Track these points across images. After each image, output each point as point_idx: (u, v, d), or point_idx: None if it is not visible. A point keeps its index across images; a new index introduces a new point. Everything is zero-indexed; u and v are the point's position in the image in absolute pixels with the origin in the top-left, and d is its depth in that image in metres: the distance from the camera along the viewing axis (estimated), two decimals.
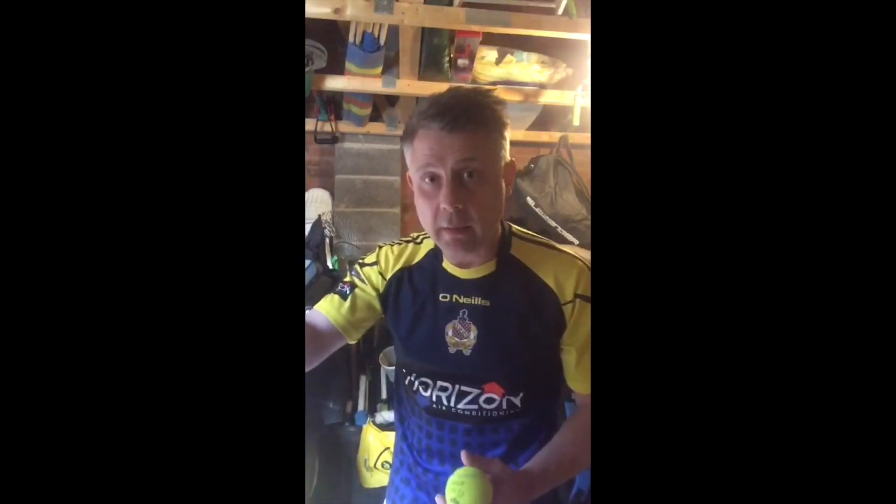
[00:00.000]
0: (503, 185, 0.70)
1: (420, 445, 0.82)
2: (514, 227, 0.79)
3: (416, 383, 0.79)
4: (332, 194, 2.41)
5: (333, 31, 1.96)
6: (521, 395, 0.74)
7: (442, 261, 0.76)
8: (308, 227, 2.15)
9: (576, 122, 2.06)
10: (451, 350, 0.74)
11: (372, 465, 1.72)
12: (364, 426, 1.78)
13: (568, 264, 0.73)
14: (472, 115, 0.65)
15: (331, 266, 2.10)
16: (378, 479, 1.71)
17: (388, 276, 0.81)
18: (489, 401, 0.74)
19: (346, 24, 1.72)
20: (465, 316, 0.73)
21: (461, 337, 0.73)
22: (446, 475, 0.66)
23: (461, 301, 0.74)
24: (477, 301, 0.73)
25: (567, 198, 2.33)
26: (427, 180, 0.67)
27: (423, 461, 0.82)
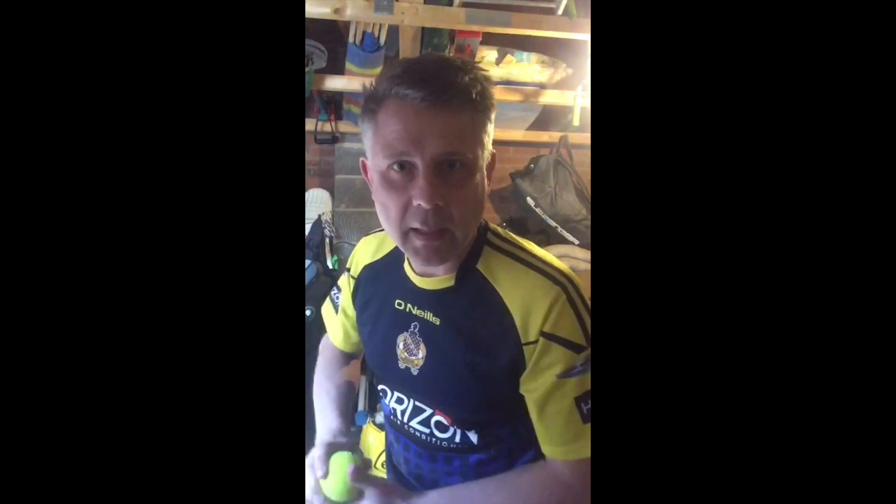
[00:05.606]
0: (486, 180, 0.56)
1: (390, 447, 0.79)
2: (493, 228, 0.63)
3: (380, 387, 0.71)
4: (332, 194, 2.41)
5: (333, 31, 1.96)
6: (475, 431, 0.63)
7: (405, 260, 0.64)
8: (308, 227, 2.16)
9: (576, 122, 2.06)
10: (401, 365, 0.64)
11: (373, 465, 1.72)
12: (364, 426, 1.78)
13: (542, 290, 0.56)
14: (458, 88, 0.49)
15: (331, 266, 2.10)
16: None
17: (357, 275, 0.73)
18: (441, 427, 0.64)
19: (346, 24, 1.72)
20: (416, 330, 0.63)
21: (410, 353, 0.63)
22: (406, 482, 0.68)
23: (414, 312, 0.63)
24: (428, 316, 0.62)
25: (567, 198, 2.33)
26: (395, 167, 0.52)
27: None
